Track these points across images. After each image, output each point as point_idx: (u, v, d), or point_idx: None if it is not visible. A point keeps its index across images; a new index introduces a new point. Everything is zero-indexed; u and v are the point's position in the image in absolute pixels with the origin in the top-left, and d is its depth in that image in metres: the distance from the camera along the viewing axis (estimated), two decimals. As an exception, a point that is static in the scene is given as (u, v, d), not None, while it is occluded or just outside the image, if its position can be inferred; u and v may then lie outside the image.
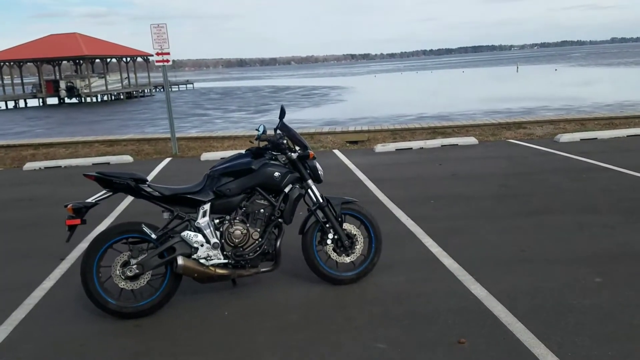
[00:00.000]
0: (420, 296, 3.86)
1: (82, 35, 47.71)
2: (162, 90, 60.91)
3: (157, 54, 10.22)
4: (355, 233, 4.14)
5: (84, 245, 5.27)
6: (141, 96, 50.54)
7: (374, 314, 3.63)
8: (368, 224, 4.15)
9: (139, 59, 52.64)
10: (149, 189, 3.71)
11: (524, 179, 7.23)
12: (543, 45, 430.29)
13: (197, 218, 3.81)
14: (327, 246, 4.09)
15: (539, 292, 3.81)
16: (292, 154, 4.00)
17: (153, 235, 3.68)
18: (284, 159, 4.03)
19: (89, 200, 3.66)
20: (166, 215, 3.81)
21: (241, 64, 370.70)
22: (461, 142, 10.50)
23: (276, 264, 3.97)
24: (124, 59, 50.56)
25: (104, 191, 3.72)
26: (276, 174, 3.93)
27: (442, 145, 10.35)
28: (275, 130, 4.09)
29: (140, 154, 10.98)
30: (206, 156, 10.27)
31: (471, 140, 10.62)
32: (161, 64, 10.32)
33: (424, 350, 3.17)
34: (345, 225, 4.12)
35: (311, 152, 4.06)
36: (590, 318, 3.41)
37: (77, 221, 3.59)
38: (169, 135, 12.15)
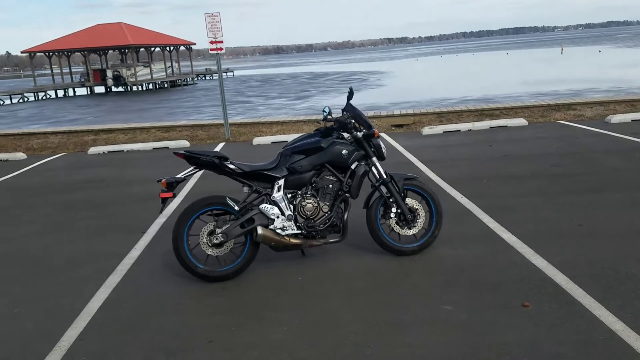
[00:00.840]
0: (481, 267, 4.09)
1: (127, 24, 49.14)
2: (204, 78, 62.13)
3: (211, 42, 10.63)
4: (417, 207, 4.39)
5: (160, 220, 5.74)
6: (184, 84, 51.74)
7: (437, 282, 3.89)
8: (429, 199, 4.40)
9: (182, 48, 53.79)
10: (231, 166, 4.07)
11: (576, 159, 7.29)
12: (588, 26, 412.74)
13: (272, 192, 4.15)
14: (391, 219, 4.36)
15: (597, 262, 3.98)
16: (358, 133, 4.27)
17: (236, 208, 4.05)
18: (349, 137, 4.30)
19: (179, 175, 4.05)
20: (246, 189, 4.17)
21: (278, 50, 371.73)
22: (510, 123, 10.52)
23: (343, 236, 4.27)
24: (167, 48, 51.76)
25: (191, 168, 4.10)
26: (344, 151, 4.21)
27: (490, 127, 10.40)
28: (342, 111, 4.37)
29: (195, 139, 11.49)
30: (257, 140, 10.68)
31: (521, 121, 10.62)
32: (215, 52, 10.74)
33: (490, 312, 3.41)
34: (408, 200, 4.38)
35: (376, 131, 4.32)
36: (648, 285, 3.57)
37: (170, 194, 3.99)
38: (220, 121, 12.63)
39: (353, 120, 4.29)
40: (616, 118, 10.13)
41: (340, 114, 4.35)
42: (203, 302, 3.82)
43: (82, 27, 51.04)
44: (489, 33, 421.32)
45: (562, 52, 57.44)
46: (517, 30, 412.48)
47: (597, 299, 3.44)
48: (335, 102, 22.85)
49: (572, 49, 65.60)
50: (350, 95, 4.41)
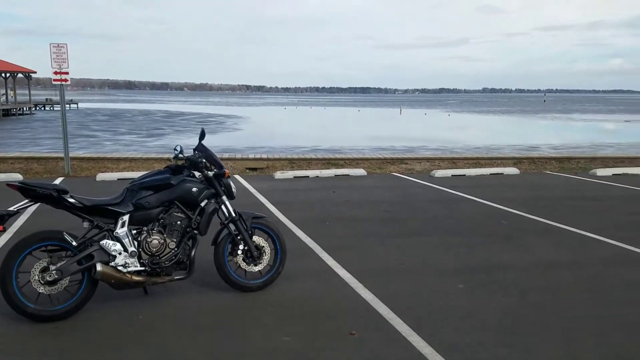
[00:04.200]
0: (318, 299, 4.45)
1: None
2: (43, 108, 56.83)
3: (56, 72, 10.03)
4: (263, 245, 4.65)
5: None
6: (20, 114, 46.67)
7: (279, 315, 4.14)
8: (275, 237, 4.69)
9: (20, 75, 48.80)
10: (71, 200, 3.93)
11: (405, 206, 8.26)
12: (423, 91, 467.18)
13: (116, 228, 4.08)
14: (238, 256, 4.55)
15: (415, 296, 4.58)
16: (209, 172, 4.45)
17: (74, 243, 3.89)
18: (200, 176, 4.45)
19: (11, 208, 3.80)
20: (86, 224, 4.05)
21: (129, 86, 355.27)
22: (352, 172, 11.52)
23: (189, 273, 4.33)
24: (3, 75, 46.56)
25: (26, 200, 3.88)
26: (194, 189, 4.34)
27: (335, 175, 11.26)
28: (194, 150, 4.51)
29: (29, 173, 10.53)
30: (102, 176, 10.17)
31: (361, 171, 11.68)
32: (59, 82, 10.13)
33: (322, 340, 3.74)
34: (255, 238, 4.62)
35: (227, 171, 4.54)
36: (454, 315, 4.21)
37: (0, 227, 3.70)
38: (59, 155, 11.76)
39: (204, 160, 4.45)
40: (439, 172, 11.67)
41: (192, 153, 4.49)
42: (31, 344, 3.56)
43: None
44: (340, 90, 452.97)
45: (400, 113, 64.00)
46: (364, 90, 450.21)
47: (412, 327, 3.96)
48: (190, 142, 22.56)
49: (409, 110, 73.47)
50: (202, 135, 4.59)
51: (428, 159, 14.10)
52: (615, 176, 11.68)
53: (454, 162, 13.91)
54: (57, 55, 9.92)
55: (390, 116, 57.11)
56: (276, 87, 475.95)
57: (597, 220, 7.43)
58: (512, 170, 12.24)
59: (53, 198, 3.88)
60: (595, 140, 25.81)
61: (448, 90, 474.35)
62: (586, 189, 10.16)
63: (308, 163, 12.96)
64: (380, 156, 14.48)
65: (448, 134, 32.16)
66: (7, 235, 5.93)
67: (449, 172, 11.76)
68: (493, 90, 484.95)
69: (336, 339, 3.76)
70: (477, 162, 13.98)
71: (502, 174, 11.96)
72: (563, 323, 4.05)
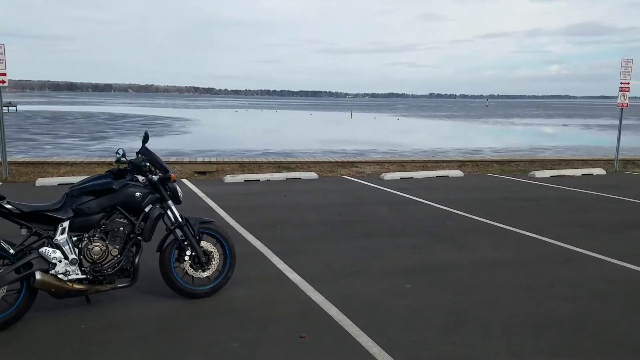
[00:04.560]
0: (268, 304, 4.43)
1: None
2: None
3: (-9, 72, 9.52)
4: (211, 250, 4.58)
5: None
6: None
7: (227, 322, 4.09)
8: (224, 242, 4.63)
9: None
10: (8, 206, 3.74)
11: (355, 209, 8.36)
12: (373, 95, 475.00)
13: (55, 235, 3.92)
14: (185, 262, 4.46)
15: (364, 297, 4.65)
16: (154, 176, 4.34)
17: (11, 251, 3.71)
18: (144, 180, 4.34)
19: (-61, 216, 3.57)
20: (24, 231, 3.87)
21: (71, 87, 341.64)
22: (304, 176, 11.54)
23: (133, 280, 4.21)
24: None
25: (-44, 207, 3.65)
26: (137, 194, 4.22)
27: (287, 179, 11.25)
28: (137, 153, 4.39)
29: (-39, 178, 9.92)
30: (42, 182, 9.73)
31: (312, 175, 11.72)
32: (-5, 82, 9.62)
33: (271, 344, 3.73)
34: (203, 243, 4.54)
35: (172, 174, 4.45)
36: (401, 314, 4.30)
37: None
38: (-5, 159, 11.14)
39: (148, 164, 4.34)
40: (388, 175, 11.88)
41: (135, 157, 4.37)
42: (-40, 360, 3.36)
43: None
44: (291, 93, 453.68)
45: (351, 117, 64.75)
46: (315, 94, 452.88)
47: (361, 327, 4.02)
48: (135, 145, 21.89)
49: (359, 114, 74.44)
50: (146, 138, 4.48)
51: (378, 162, 14.34)
52: (552, 178, 12.28)
53: (402, 165, 14.21)
54: (-8, 55, 9.41)
55: (341, 120, 57.66)
56: (226, 89, 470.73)
57: (536, 220, 7.78)
58: (457, 173, 12.64)
59: (-13, 204, 3.68)
60: (534, 144, 27.05)
61: (397, 95, 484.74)
62: (525, 190, 10.62)
63: (259, 166, 12.89)
64: (332, 159, 14.59)
65: (397, 137, 32.82)
66: None
67: (397, 175, 12.00)
68: (439, 96, 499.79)
69: (286, 343, 3.76)
70: (424, 165, 14.33)
71: (447, 176, 12.32)
72: (503, 320, 4.22)
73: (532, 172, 12.81)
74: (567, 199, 9.68)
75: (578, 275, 5.36)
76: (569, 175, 12.62)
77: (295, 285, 4.87)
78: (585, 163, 15.29)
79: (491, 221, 7.62)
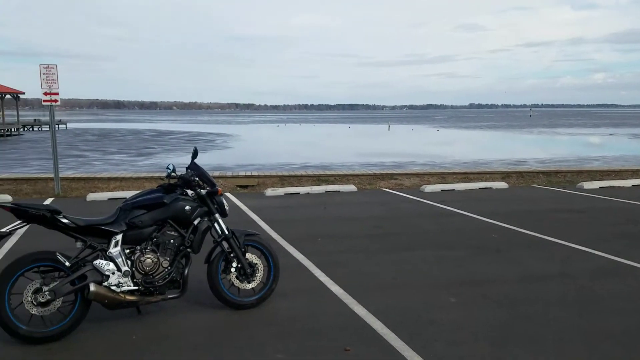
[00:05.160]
0: (311, 316, 4.47)
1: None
2: (31, 129, 56.66)
3: (46, 93, 10.05)
4: (256, 262, 4.67)
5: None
6: (7, 135, 46.42)
7: (272, 333, 4.15)
8: (268, 254, 4.71)
9: (8, 96, 48.60)
10: (65, 220, 3.94)
11: (395, 222, 8.32)
12: (411, 107, 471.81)
13: (109, 248, 4.09)
14: (231, 274, 4.56)
15: (408, 310, 4.62)
16: (202, 190, 4.48)
17: (67, 264, 3.89)
18: (193, 194, 4.48)
19: (3, 230, 3.80)
20: (79, 244, 4.05)
21: (118, 105, 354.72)
22: (342, 189, 11.57)
23: (183, 291, 4.34)
24: (-10, 95, 46.35)
25: (19, 222, 3.87)
26: (187, 207, 4.36)
27: (326, 191, 11.31)
28: (187, 169, 4.55)
29: (19, 194, 10.46)
30: (92, 196, 10.13)
31: (351, 187, 11.74)
32: (49, 103, 10.14)
33: (316, 357, 3.76)
34: (248, 255, 4.64)
35: (219, 188, 4.58)
36: (447, 328, 4.25)
37: (-9, 249, 3.70)
38: (48, 175, 11.71)
39: (197, 178, 4.49)
40: (429, 187, 11.77)
41: (185, 172, 4.52)
42: (23, 366, 3.54)
43: None
44: (328, 107, 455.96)
45: (389, 129, 64.52)
46: (352, 107, 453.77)
47: (406, 341, 3.99)
48: (180, 161, 22.58)
49: (397, 126, 74.09)
50: (195, 154, 4.63)
51: (417, 174, 14.22)
52: (602, 189, 11.86)
53: (443, 177, 14.04)
54: (47, 76, 9.95)
55: (378, 132, 57.51)
56: (265, 105, 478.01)
57: (585, 232, 7.54)
58: (501, 185, 12.38)
59: (46, 219, 3.88)
60: (581, 154, 26.19)
61: (435, 107, 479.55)
62: (574, 202, 10.30)
63: (298, 180, 13.01)
64: (370, 172, 14.57)
65: (436, 149, 32.46)
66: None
67: (438, 187, 11.86)
68: (480, 106, 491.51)
69: (331, 355, 3.77)
70: (466, 176, 14.12)
71: (490, 188, 12.09)
72: (553, 334, 4.10)
73: (580, 183, 12.41)
74: (617, 210, 9.33)
75: (630, 288, 5.16)
76: (618, 187, 12.16)
77: (337, 298, 4.89)
78: (634, 174, 14.70)
79: (538, 234, 7.43)
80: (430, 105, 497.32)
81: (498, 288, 5.18)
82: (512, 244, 6.88)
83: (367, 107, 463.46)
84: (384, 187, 12.24)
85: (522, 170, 15.41)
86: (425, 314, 4.53)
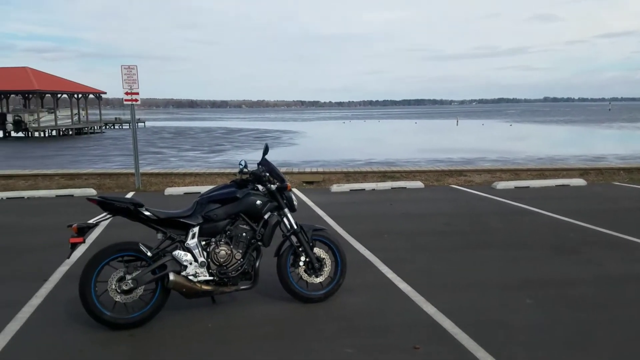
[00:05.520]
0: (379, 312, 4.46)
1: (32, 69, 46.82)
2: (113, 127, 60.35)
3: (127, 93, 10.65)
4: (324, 257, 4.73)
5: (63, 268, 5.57)
6: (91, 133, 49.75)
7: (340, 327, 4.18)
8: (335, 249, 4.76)
9: (91, 96, 52.00)
10: (147, 213, 4.17)
11: (465, 219, 8.10)
12: (481, 101, 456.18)
13: (187, 239, 4.29)
14: (299, 268, 4.65)
15: (480, 310, 4.49)
16: (272, 185, 4.59)
17: (148, 254, 4.12)
18: (264, 189, 4.60)
19: (90, 221, 4.08)
20: (159, 236, 4.27)
21: (192, 105, 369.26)
22: (409, 185, 11.42)
23: (254, 283, 4.47)
24: (76, 96, 49.79)
25: (104, 214, 4.15)
26: (258, 202, 4.49)
27: (392, 188, 11.21)
28: (258, 165, 4.68)
29: (102, 188, 11.17)
30: (169, 191, 10.64)
31: (418, 184, 11.56)
32: (130, 102, 10.74)
33: (385, 353, 3.74)
34: (316, 250, 4.70)
35: (289, 184, 4.67)
36: (522, 330, 4.09)
37: (80, 239, 3.98)
38: (129, 170, 12.41)
39: (268, 174, 4.60)
40: (501, 184, 11.36)
41: (256, 168, 4.65)
42: (108, 350, 3.79)
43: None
44: (393, 103, 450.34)
45: (457, 124, 62.80)
46: (418, 102, 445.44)
47: (479, 342, 3.88)
48: (249, 157, 23.17)
49: (466, 121, 71.96)
50: (266, 150, 4.76)
51: (488, 171, 13.75)
52: (694, 187, 10.94)
53: (516, 173, 13.49)
54: (128, 77, 10.54)
55: (446, 127, 56.16)
56: (330, 102, 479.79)
57: (675, 233, 6.99)
58: (579, 182, 11.73)
59: (130, 211, 4.13)
60: (669, 149, 24.27)
61: (507, 100, 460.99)
62: (661, 200, 9.58)
63: (364, 176, 12.98)
64: (438, 168, 14.27)
65: (509, 144, 31.24)
66: (83, 247, 6.32)
67: (511, 184, 11.43)
68: (555, 100, 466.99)
69: (400, 352, 3.75)
70: (541, 173, 13.49)
71: (568, 185, 11.49)
72: (637, 339, 3.85)
73: (668, 181, 11.52)
74: None
75: None
76: None
77: (405, 295, 4.84)
78: None
79: (619, 234, 6.99)
80: (502, 99, 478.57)
81: (576, 290, 4.93)
82: (591, 244, 6.51)
83: (434, 102, 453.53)
84: (453, 184, 11.95)
85: (601, 167, 14.50)
86: (499, 314, 4.39)
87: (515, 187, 11.22)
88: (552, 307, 4.54)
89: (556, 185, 11.46)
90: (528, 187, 11.32)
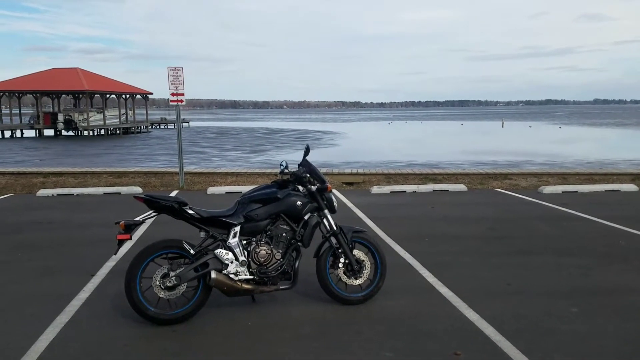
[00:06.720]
0: (420, 317, 4.39)
1: (83, 70, 48.85)
2: (158, 127, 62.17)
3: (173, 94, 10.93)
4: (363, 259, 4.70)
5: (110, 263, 5.76)
6: (138, 132, 51.41)
7: (380, 330, 4.14)
8: (375, 252, 4.72)
9: (138, 96, 53.72)
10: (190, 211, 4.26)
11: (509, 224, 7.88)
12: (528, 102, 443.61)
13: (228, 238, 4.35)
14: (339, 269, 4.64)
15: (524, 318, 4.36)
16: (312, 186, 4.60)
17: (191, 251, 4.21)
18: (304, 190, 4.62)
19: (137, 219, 4.20)
20: (202, 234, 4.36)
21: (234, 105, 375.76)
22: (451, 188, 11.21)
23: (294, 283, 4.49)
24: (123, 96, 51.58)
25: (150, 211, 4.26)
26: (298, 203, 4.51)
27: (433, 190, 11.04)
28: (299, 165, 4.70)
29: (148, 186, 11.50)
30: (212, 190, 10.84)
31: (461, 187, 11.34)
32: (176, 103, 11.03)
33: (425, 358, 3.68)
34: (355, 252, 4.68)
35: (329, 185, 4.67)
36: (567, 340, 3.95)
37: (127, 236, 4.11)
38: (173, 170, 12.73)
39: (308, 175, 4.61)
40: (548, 189, 11.00)
41: (297, 168, 4.68)
42: (152, 344, 3.89)
43: (35, 69, 49.90)
44: (436, 104, 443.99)
45: (502, 126, 61.27)
46: (462, 103, 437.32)
47: (522, 350, 3.77)
48: (290, 158, 23.36)
49: (512, 123, 70.10)
50: (307, 151, 4.77)
51: (535, 174, 13.36)
52: None
53: (564, 177, 13.04)
54: (174, 78, 10.82)
55: (491, 129, 54.90)
56: (371, 102, 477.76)
57: None
58: (630, 187, 11.23)
59: (174, 209, 4.23)
60: None
61: (555, 102, 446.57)
62: None
63: (405, 178, 12.84)
64: (482, 171, 13.96)
65: (557, 147, 30.25)
66: (129, 243, 6.52)
67: (559, 188, 11.05)
68: (605, 102, 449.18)
69: (441, 358, 3.68)
70: (590, 177, 13.00)
71: (618, 190, 11.02)
72: (697, 356, 3.65)
73: None
74: None
75: None
76: None
77: (446, 300, 4.76)
78: None
79: (677, 242, 6.64)
80: (550, 100, 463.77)
81: (627, 299, 4.72)
82: (646, 253, 6.21)
83: (478, 103, 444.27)
84: (497, 188, 11.66)
85: (657, 172, 13.82)
86: (544, 323, 4.25)
87: (562, 192, 10.84)
88: (600, 316, 4.36)
89: (606, 191, 11.01)
90: (576, 192, 10.92)
